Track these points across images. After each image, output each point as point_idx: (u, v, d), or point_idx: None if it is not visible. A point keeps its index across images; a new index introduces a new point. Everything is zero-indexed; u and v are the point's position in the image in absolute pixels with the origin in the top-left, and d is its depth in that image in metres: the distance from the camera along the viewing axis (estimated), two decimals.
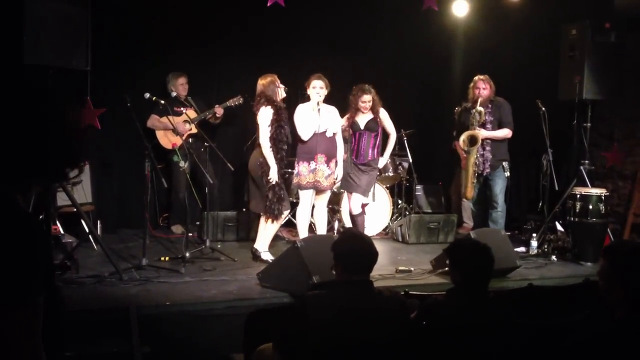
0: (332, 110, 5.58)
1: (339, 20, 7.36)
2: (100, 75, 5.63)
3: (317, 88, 5.44)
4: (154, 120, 6.45)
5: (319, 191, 5.58)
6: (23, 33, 4.69)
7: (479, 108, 6.07)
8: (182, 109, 6.49)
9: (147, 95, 5.44)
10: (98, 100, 5.58)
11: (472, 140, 6.07)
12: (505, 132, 6.18)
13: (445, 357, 2.64)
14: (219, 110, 6.49)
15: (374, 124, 5.77)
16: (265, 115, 5.29)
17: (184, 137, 6.31)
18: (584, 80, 6.18)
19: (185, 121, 6.37)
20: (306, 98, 5.60)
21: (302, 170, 5.47)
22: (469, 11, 7.12)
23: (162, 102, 5.61)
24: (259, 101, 5.35)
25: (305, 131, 5.43)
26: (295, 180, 5.54)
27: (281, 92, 5.41)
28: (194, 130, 6.42)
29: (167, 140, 6.49)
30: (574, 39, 6.31)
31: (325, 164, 5.48)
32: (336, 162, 5.58)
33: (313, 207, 5.67)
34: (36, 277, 1.25)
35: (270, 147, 5.27)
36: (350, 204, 5.85)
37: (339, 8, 7.25)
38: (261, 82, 5.38)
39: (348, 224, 6.26)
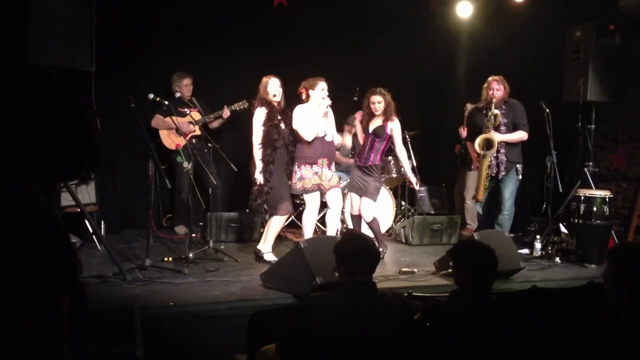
0: (330, 115, 5.56)
1: (344, 22, 7.37)
2: (104, 75, 5.65)
3: (325, 90, 5.42)
4: (157, 120, 6.46)
5: (324, 192, 5.57)
6: (28, 34, 4.72)
7: (495, 111, 5.87)
8: (186, 109, 6.50)
9: (151, 96, 5.45)
10: (102, 100, 5.60)
11: (488, 144, 5.89)
12: (520, 135, 6.00)
13: (449, 358, 2.64)
14: (226, 112, 6.49)
15: (381, 131, 5.68)
16: (258, 116, 5.30)
17: (187, 138, 6.32)
18: (588, 82, 6.17)
19: (190, 122, 6.37)
20: (304, 99, 5.55)
21: (306, 173, 5.44)
22: (473, 12, 7.12)
23: (166, 102, 5.62)
24: (259, 101, 5.37)
25: (308, 132, 5.39)
26: (299, 184, 5.46)
27: (270, 94, 5.33)
28: (198, 132, 6.43)
29: (170, 140, 6.50)
30: (579, 40, 6.30)
31: (327, 167, 5.47)
32: (333, 162, 5.59)
33: (325, 209, 5.66)
34: (57, 278, 1.24)
35: (260, 147, 5.28)
36: (362, 211, 5.77)
37: (344, 9, 7.26)
38: (262, 80, 5.39)
39: (351, 225, 6.26)
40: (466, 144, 6.58)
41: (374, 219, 5.81)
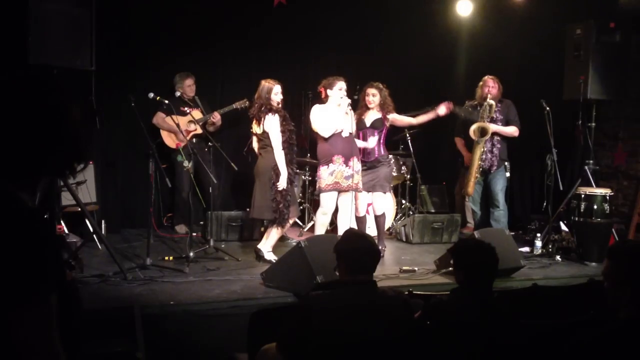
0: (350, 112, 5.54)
1: (344, 21, 7.37)
2: (104, 75, 5.64)
3: (343, 90, 5.44)
4: (158, 118, 6.46)
5: (340, 192, 5.56)
6: (28, 33, 4.71)
7: (490, 101, 6.12)
8: (187, 109, 6.49)
9: (151, 95, 5.44)
10: (102, 100, 5.59)
11: (482, 132, 6.12)
12: (513, 129, 6.27)
13: (449, 356, 2.64)
14: (216, 115, 6.49)
15: (379, 123, 5.73)
16: (274, 124, 5.22)
17: (188, 137, 6.32)
18: (589, 80, 6.16)
19: (190, 121, 6.37)
20: (321, 99, 5.56)
21: (323, 173, 5.46)
22: (474, 11, 7.12)
23: (166, 102, 5.62)
24: (260, 109, 5.26)
25: (325, 129, 5.40)
26: (317, 184, 5.55)
27: (274, 101, 5.27)
28: (199, 131, 6.42)
29: (171, 140, 6.50)
30: (579, 38, 6.30)
31: (343, 165, 5.43)
32: (358, 160, 5.53)
33: (335, 210, 5.66)
34: (44, 275, 1.23)
35: (285, 153, 5.26)
36: (374, 204, 5.79)
37: (344, 9, 7.26)
38: (261, 85, 5.32)
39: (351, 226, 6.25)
40: (455, 139, 6.68)
41: (383, 214, 5.85)
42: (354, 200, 5.62)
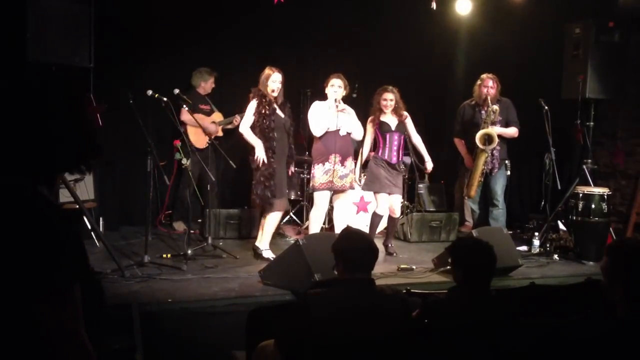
0: (349, 111, 5.51)
1: (343, 20, 7.36)
2: (102, 72, 5.64)
3: (336, 86, 5.43)
4: (185, 114, 6.23)
5: (335, 192, 5.56)
6: (26, 30, 4.71)
7: (494, 107, 6.02)
8: (207, 107, 6.54)
9: (150, 92, 5.41)
10: (100, 97, 5.59)
11: (489, 139, 6.00)
12: (514, 131, 6.22)
13: (447, 355, 2.64)
14: (238, 119, 6.46)
15: (402, 127, 5.76)
16: (251, 106, 5.33)
17: (211, 138, 6.33)
18: (587, 79, 6.18)
19: (213, 122, 6.39)
20: (324, 96, 5.57)
21: (316, 172, 5.45)
22: (472, 10, 7.11)
23: (189, 101, 5.57)
24: (255, 92, 5.36)
25: (317, 127, 5.41)
26: (311, 182, 5.55)
27: (269, 88, 5.32)
28: (220, 134, 6.47)
29: (196, 138, 6.42)
30: (578, 37, 6.30)
31: (340, 164, 5.44)
32: (352, 160, 5.53)
33: (331, 208, 5.65)
34: (67, 265, 1.28)
35: (250, 130, 5.28)
36: (394, 207, 5.82)
37: (343, 7, 7.25)
38: (265, 72, 5.37)
39: (356, 225, 6.24)
40: (455, 140, 6.65)
41: (399, 217, 5.96)
42: (351, 199, 5.63)
